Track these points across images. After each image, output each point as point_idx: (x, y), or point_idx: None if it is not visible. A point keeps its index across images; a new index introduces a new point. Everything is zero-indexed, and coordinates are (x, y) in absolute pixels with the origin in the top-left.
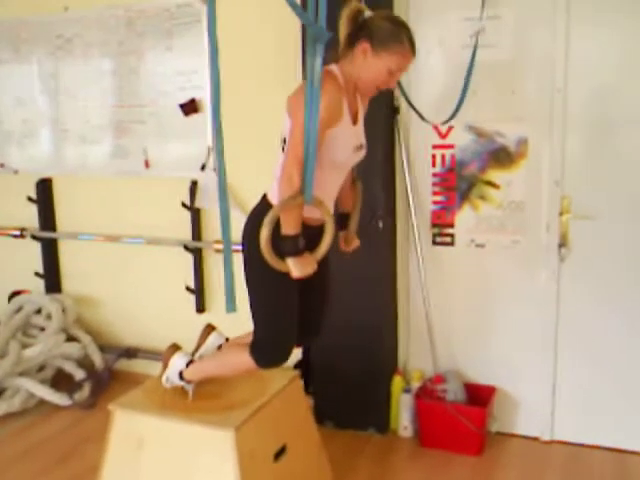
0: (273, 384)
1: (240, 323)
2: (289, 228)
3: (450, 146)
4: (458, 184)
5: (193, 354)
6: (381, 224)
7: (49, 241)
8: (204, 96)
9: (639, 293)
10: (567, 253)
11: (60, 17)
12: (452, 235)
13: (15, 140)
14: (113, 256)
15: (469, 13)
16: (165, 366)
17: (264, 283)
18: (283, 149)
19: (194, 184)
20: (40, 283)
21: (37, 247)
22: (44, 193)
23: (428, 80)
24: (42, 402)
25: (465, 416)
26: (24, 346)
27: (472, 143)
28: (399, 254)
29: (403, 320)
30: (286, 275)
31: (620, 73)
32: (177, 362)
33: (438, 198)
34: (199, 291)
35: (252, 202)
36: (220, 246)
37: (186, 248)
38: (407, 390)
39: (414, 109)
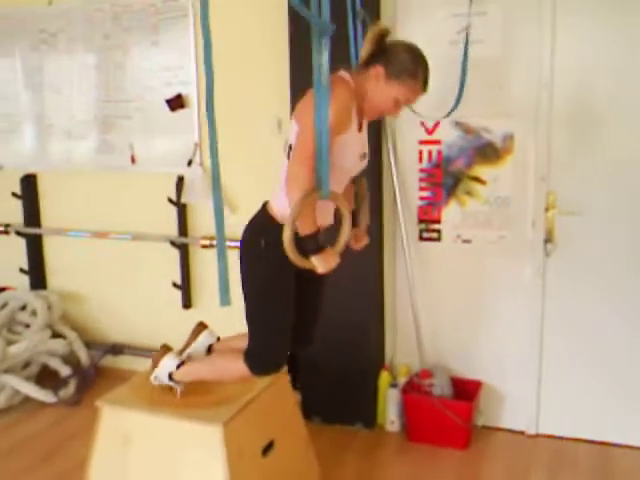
0: (261, 380)
1: (227, 319)
2: (306, 228)
3: (437, 142)
4: (445, 180)
5: (182, 351)
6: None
7: (34, 237)
8: (190, 91)
9: (624, 288)
10: (553, 248)
11: (44, 11)
12: (439, 231)
13: None
14: (99, 252)
15: (456, 9)
16: (155, 366)
17: (261, 293)
18: (288, 155)
19: (180, 180)
20: (25, 279)
21: (22, 243)
22: (29, 189)
23: None
24: (27, 399)
25: (451, 410)
26: (9, 343)
27: (459, 139)
28: (386, 250)
29: (390, 315)
30: (282, 285)
31: (606, 69)
32: (167, 363)
33: (425, 194)
34: (185, 287)
35: (239, 198)
36: (207, 242)
37: (172, 244)
38: (394, 385)
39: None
